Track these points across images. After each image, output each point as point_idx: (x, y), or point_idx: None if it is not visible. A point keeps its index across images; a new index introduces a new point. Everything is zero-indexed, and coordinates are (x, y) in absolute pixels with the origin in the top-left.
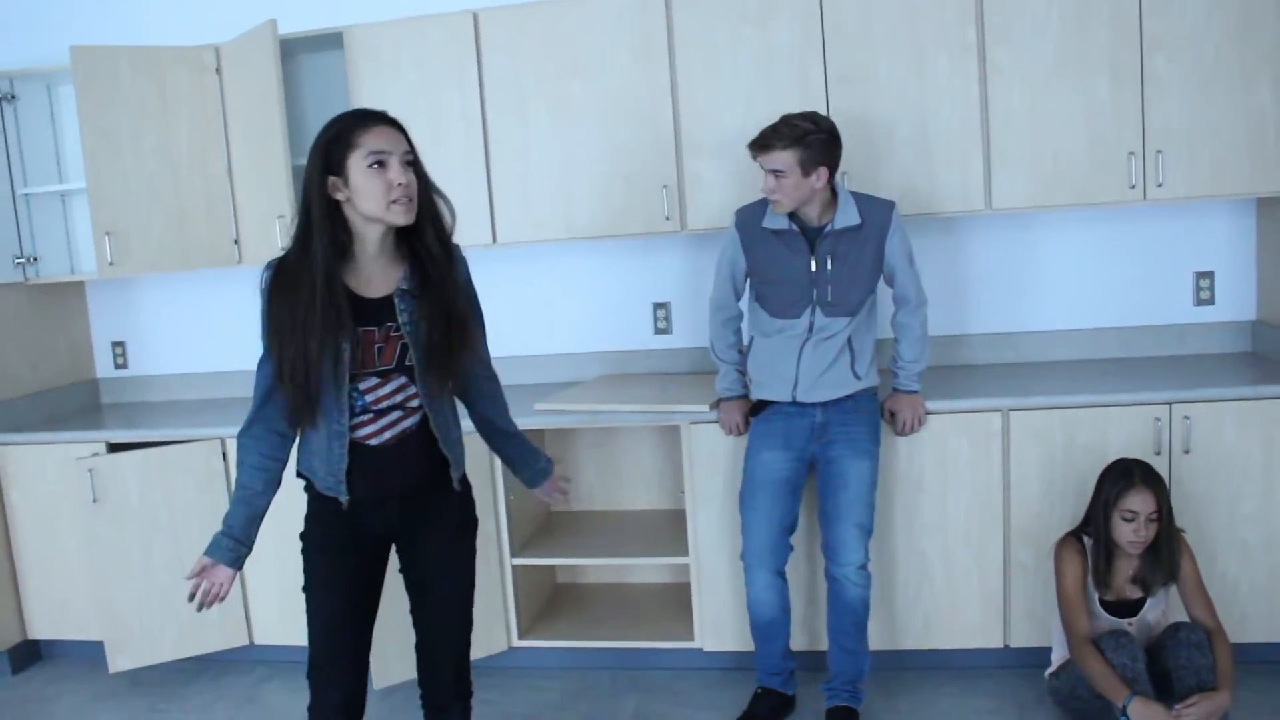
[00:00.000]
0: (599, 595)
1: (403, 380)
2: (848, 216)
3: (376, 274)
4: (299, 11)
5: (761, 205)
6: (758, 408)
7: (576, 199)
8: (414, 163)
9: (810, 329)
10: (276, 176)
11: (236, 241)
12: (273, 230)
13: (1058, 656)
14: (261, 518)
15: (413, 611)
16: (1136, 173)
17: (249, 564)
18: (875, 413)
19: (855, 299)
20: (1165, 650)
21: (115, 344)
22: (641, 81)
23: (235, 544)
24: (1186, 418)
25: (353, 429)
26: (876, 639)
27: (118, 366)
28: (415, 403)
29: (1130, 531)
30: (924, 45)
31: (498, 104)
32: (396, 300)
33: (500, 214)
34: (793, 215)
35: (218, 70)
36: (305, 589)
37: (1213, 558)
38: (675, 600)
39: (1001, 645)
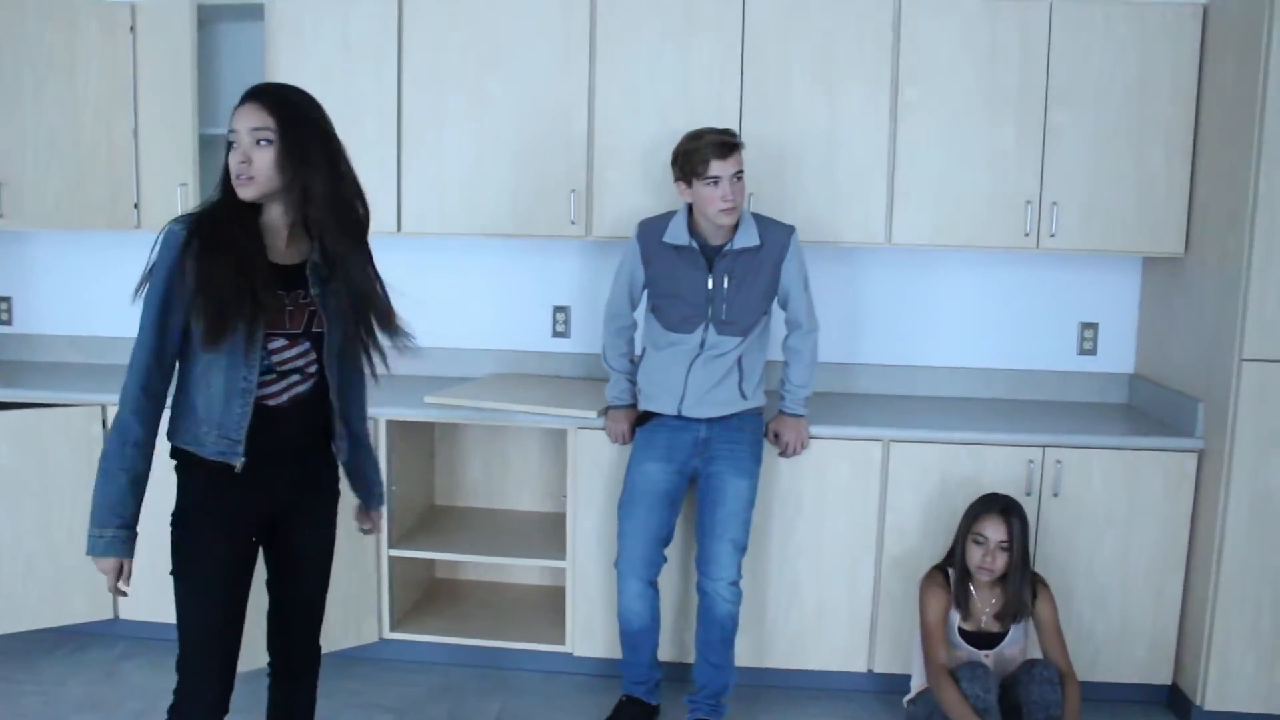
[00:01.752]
0: (475, 592)
1: (306, 346)
2: (747, 237)
3: (284, 243)
4: None
5: (664, 220)
6: (644, 418)
7: (485, 195)
8: (274, 142)
9: (702, 345)
10: (183, 144)
11: (137, 206)
12: (174, 197)
13: (916, 684)
14: None
15: (275, 582)
16: (1032, 221)
17: None
18: (759, 432)
19: (749, 319)
20: (1019, 685)
21: (0, 299)
22: (560, 84)
23: (132, 534)
24: (1058, 462)
25: (257, 387)
26: (743, 655)
27: (1, 322)
28: (313, 369)
29: (979, 555)
30: (839, 77)
31: (414, 93)
32: (309, 271)
33: (408, 204)
34: (693, 232)
35: (132, 29)
36: (179, 573)
37: (1070, 598)
38: (550, 603)
39: (866, 670)
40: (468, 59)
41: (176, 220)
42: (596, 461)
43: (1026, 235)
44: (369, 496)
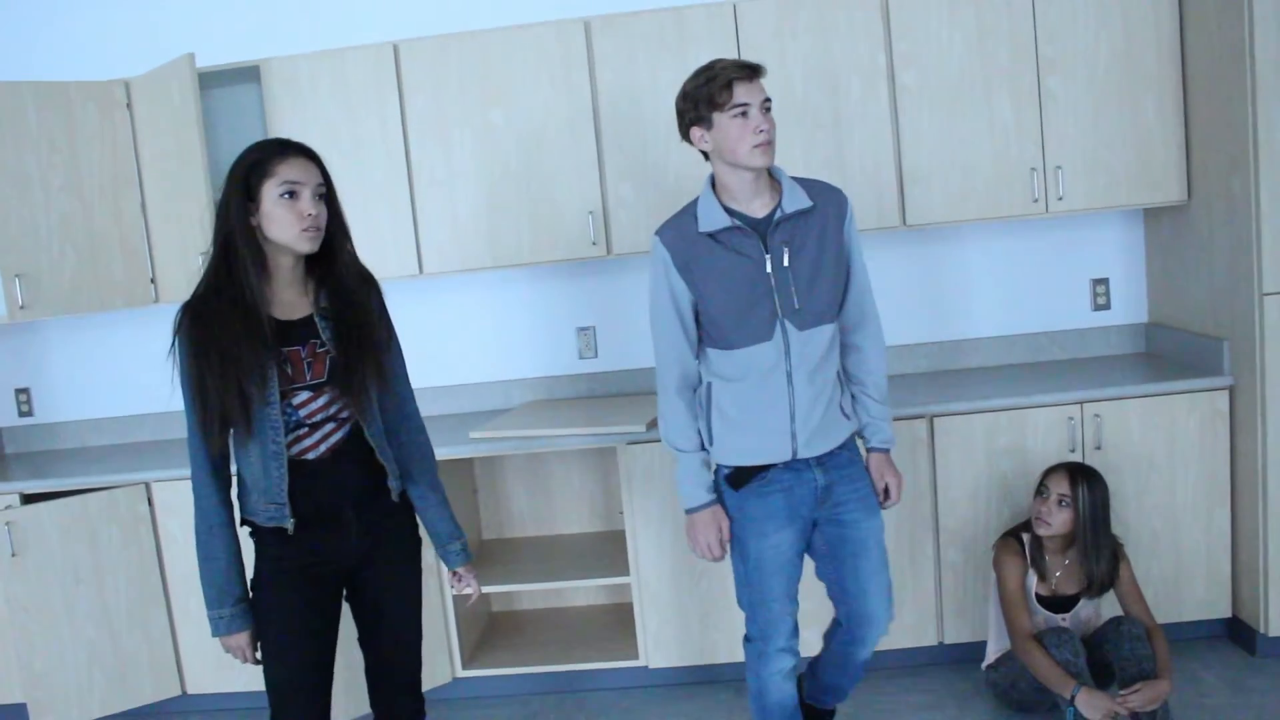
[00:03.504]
0: (535, 621)
1: (336, 392)
2: (796, 199)
3: (292, 298)
4: (203, 45)
5: (686, 213)
6: (742, 477)
7: (503, 226)
8: (325, 196)
9: (787, 352)
10: (196, 212)
11: (153, 280)
12: (194, 267)
13: (994, 649)
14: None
15: (364, 639)
16: (1039, 187)
17: (179, 611)
18: (860, 453)
19: (825, 299)
20: (1108, 643)
21: (19, 391)
22: (564, 109)
23: (249, 605)
24: (1097, 415)
25: (289, 445)
26: (815, 642)
27: (22, 414)
28: (345, 414)
29: (1038, 504)
30: (837, 70)
31: (420, 135)
32: (317, 320)
33: (426, 244)
34: (729, 210)
35: (128, 105)
36: (260, 635)
37: (1125, 547)
38: (613, 621)
39: (937, 642)
40: (469, 94)
41: (181, 308)
42: (649, 473)
43: (1035, 201)
44: (445, 554)
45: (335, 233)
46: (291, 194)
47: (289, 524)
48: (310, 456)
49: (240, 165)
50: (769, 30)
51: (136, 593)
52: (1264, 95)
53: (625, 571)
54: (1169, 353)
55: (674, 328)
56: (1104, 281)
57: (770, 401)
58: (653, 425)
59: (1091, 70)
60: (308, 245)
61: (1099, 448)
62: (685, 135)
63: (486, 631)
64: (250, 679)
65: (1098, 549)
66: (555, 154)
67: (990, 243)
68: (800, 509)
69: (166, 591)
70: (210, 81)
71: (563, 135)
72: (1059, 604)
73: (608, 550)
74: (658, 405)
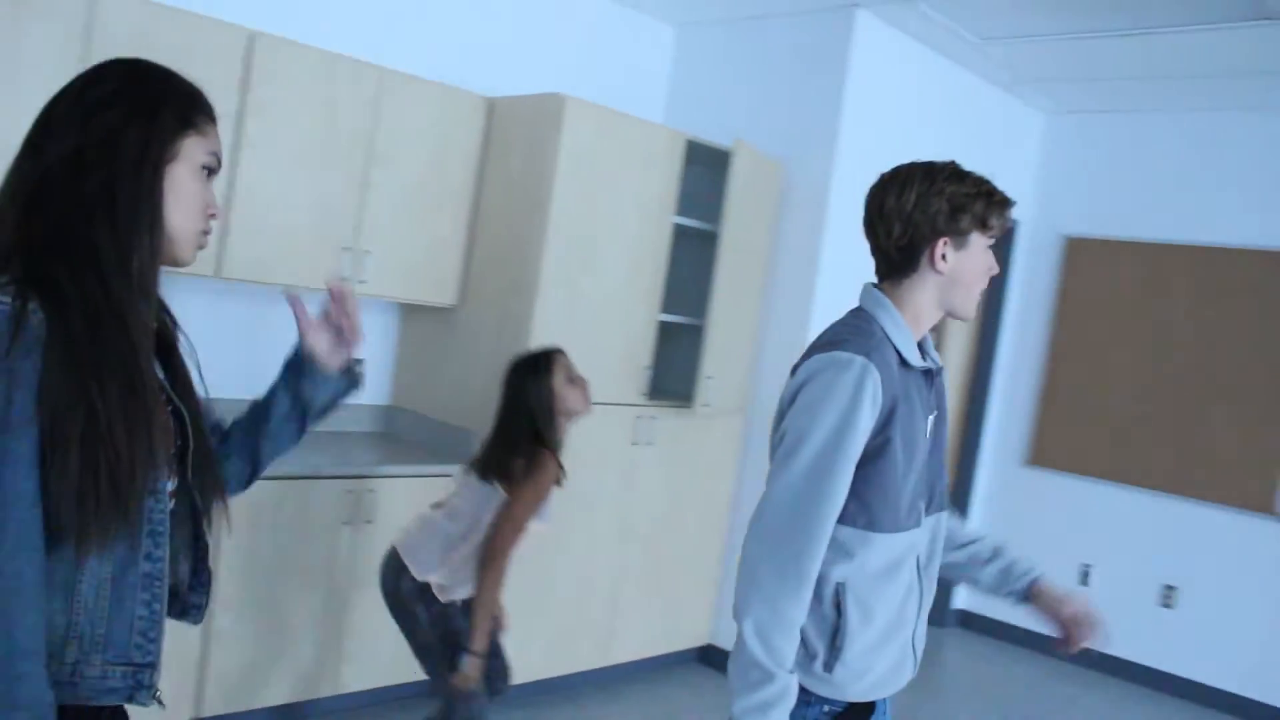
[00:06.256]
0: None
1: (187, 471)
2: (934, 353)
3: None
4: None
5: (881, 340)
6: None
7: None
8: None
9: (931, 541)
10: None
11: None
12: None
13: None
14: None
15: None
16: (349, 267)
17: None
18: None
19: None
20: None
21: None
22: None
23: None
24: (371, 490)
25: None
26: None
27: None
28: (175, 506)
29: (572, 389)
30: None
31: None
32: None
33: None
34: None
35: None
36: None
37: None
38: None
39: (191, 718)
40: None
41: (11, 286)
42: None
43: (343, 280)
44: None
45: None
46: (210, 172)
47: (151, 702)
48: None
49: (169, 93)
50: (129, 28)
51: None
52: (555, 233)
53: None
54: (408, 434)
55: (840, 485)
56: (360, 361)
57: (905, 610)
58: None
59: (411, 172)
60: (193, 252)
61: (370, 521)
62: (915, 243)
63: None
64: None
65: None
66: None
67: (270, 308)
68: None
69: None
70: None
71: None
72: None
73: None
74: (766, 592)
